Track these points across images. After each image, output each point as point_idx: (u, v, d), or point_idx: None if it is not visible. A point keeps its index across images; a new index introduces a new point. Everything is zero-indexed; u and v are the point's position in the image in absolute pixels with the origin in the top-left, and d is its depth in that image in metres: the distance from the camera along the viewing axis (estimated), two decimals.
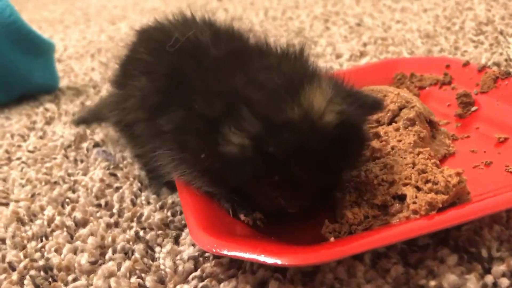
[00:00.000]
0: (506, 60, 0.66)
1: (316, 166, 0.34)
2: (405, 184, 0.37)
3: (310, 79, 0.36)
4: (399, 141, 0.44)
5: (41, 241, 0.44)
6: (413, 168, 0.38)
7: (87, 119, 0.68)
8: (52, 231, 0.45)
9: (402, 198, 0.37)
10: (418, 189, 0.36)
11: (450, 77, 0.57)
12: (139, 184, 0.51)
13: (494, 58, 0.67)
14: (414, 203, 0.35)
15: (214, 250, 0.34)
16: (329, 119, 0.34)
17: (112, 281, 0.37)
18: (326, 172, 0.36)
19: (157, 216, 0.44)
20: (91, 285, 0.38)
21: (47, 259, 0.41)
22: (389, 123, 0.47)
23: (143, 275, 0.38)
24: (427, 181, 0.36)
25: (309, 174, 0.35)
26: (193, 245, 0.40)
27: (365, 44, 0.85)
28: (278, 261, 0.31)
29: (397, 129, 0.46)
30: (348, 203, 0.38)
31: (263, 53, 0.41)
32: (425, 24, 0.89)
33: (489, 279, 0.32)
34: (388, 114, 0.47)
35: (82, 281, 0.38)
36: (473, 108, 0.52)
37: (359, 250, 0.32)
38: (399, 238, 0.33)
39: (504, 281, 0.32)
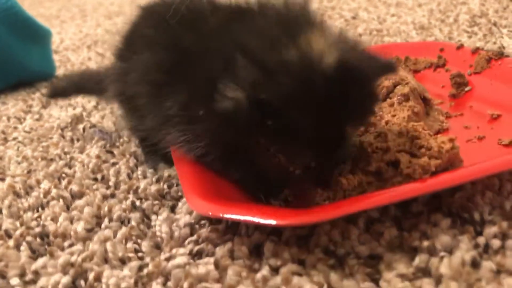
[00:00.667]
0: (499, 48, 0.67)
1: (316, 114, 0.31)
2: (399, 151, 0.37)
3: (311, 25, 0.34)
4: (393, 116, 0.45)
5: (37, 211, 0.44)
6: (406, 135, 0.38)
7: (65, 90, 0.64)
8: (48, 202, 0.45)
9: (396, 164, 0.37)
10: (412, 155, 0.37)
11: (444, 59, 0.58)
12: (135, 160, 0.51)
13: (487, 47, 0.68)
14: (408, 168, 0.36)
15: (210, 213, 0.34)
16: (329, 61, 0.31)
17: (108, 245, 0.37)
18: (328, 124, 0.32)
19: (154, 188, 0.44)
20: (87, 250, 0.38)
21: (43, 226, 0.41)
22: (384, 100, 0.47)
23: (139, 240, 0.38)
24: (421, 147, 0.37)
25: (309, 123, 0.31)
26: (190, 213, 0.40)
27: (360, 35, 0.85)
28: (273, 222, 0.31)
29: (392, 105, 0.46)
30: (343, 171, 0.38)
31: (263, 9, 0.39)
32: (419, 17, 0.90)
33: (481, 240, 0.33)
34: (383, 91, 0.48)
35: (78, 246, 0.38)
36: (467, 88, 0.53)
37: (352, 210, 0.32)
38: (393, 200, 0.33)
39: (496, 242, 0.32)
